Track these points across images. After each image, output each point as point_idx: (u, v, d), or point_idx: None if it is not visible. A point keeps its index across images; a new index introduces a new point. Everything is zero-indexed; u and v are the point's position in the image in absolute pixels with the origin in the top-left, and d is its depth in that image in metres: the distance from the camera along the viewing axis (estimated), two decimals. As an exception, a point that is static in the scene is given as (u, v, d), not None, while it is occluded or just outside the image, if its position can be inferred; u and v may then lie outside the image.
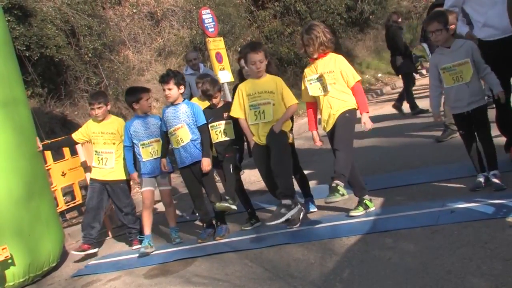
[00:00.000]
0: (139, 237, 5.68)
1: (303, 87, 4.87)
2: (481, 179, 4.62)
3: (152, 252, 5.35)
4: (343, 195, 4.38)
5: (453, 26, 4.63)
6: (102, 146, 5.67)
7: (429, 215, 4.25)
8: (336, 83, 4.63)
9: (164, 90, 5.23)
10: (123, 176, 5.77)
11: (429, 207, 4.44)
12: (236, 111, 4.95)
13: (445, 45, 4.61)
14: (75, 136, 5.88)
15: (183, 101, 5.28)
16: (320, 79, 4.66)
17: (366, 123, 4.62)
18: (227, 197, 5.06)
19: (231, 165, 5.15)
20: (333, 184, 4.40)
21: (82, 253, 5.59)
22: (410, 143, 7.30)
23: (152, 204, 5.63)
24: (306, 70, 4.84)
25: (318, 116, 4.91)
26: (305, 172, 5.55)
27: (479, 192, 4.50)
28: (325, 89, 4.64)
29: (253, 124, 4.87)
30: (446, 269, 3.27)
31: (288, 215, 4.56)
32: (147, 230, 5.45)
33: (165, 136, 5.33)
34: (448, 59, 4.59)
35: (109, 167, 5.66)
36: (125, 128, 5.57)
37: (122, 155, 5.71)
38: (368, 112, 4.66)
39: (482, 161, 4.67)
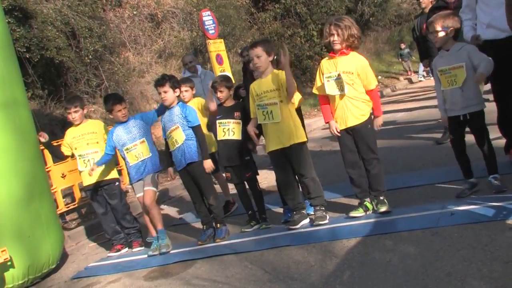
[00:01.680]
0: (147, 239, 5.72)
1: (318, 82, 4.76)
2: (467, 186, 4.62)
3: (158, 253, 5.32)
4: (387, 204, 4.64)
5: (452, 29, 4.60)
6: (86, 147, 5.66)
7: (429, 217, 4.24)
8: (354, 84, 4.57)
9: (160, 93, 5.22)
10: (114, 174, 5.83)
11: (429, 209, 4.44)
12: (252, 111, 4.98)
13: (444, 47, 4.59)
14: (62, 148, 5.87)
15: (177, 103, 5.28)
16: (339, 77, 4.57)
17: (377, 126, 4.67)
18: (263, 216, 5.30)
19: (257, 183, 5.36)
20: (381, 198, 4.67)
21: (118, 253, 5.72)
22: (410, 145, 7.31)
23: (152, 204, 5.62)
24: (324, 64, 4.71)
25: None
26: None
27: (479, 194, 4.50)
28: (341, 88, 4.58)
29: (263, 124, 4.88)
30: (446, 271, 3.27)
31: (326, 216, 4.81)
32: (153, 232, 5.53)
33: (167, 144, 5.34)
34: (445, 62, 4.57)
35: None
36: (108, 135, 5.59)
37: None
38: (381, 115, 4.68)
39: (470, 167, 4.66)
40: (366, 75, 4.59)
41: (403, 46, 19.09)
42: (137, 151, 5.45)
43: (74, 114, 5.69)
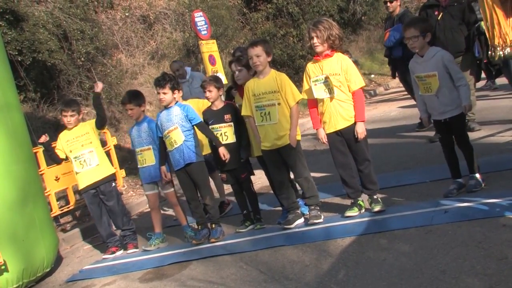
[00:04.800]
0: (148, 234, 5.78)
1: (305, 86, 4.75)
2: (454, 186, 4.64)
3: (160, 247, 5.54)
4: (381, 203, 4.68)
5: (429, 34, 4.58)
6: (81, 148, 5.65)
7: (423, 216, 4.26)
8: (341, 85, 4.56)
9: (158, 93, 5.21)
10: (111, 170, 5.84)
11: (423, 207, 4.46)
12: (245, 110, 4.95)
13: (419, 53, 4.58)
14: (57, 152, 5.79)
15: (175, 103, 5.27)
16: (326, 80, 4.57)
17: (359, 134, 4.57)
18: (258, 216, 5.31)
19: (251, 184, 5.36)
20: (375, 197, 4.70)
21: (113, 255, 5.71)
22: (403, 144, 7.33)
23: (156, 205, 5.73)
24: (310, 68, 4.70)
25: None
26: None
27: (472, 192, 4.52)
28: (330, 91, 4.57)
29: (260, 125, 4.85)
30: (440, 269, 3.28)
31: (321, 215, 4.82)
32: (156, 228, 5.66)
33: (161, 143, 5.32)
34: (420, 68, 4.58)
35: (95, 164, 5.65)
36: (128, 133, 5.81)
37: (103, 151, 5.84)
38: (364, 121, 4.62)
39: (458, 167, 4.69)
40: (351, 75, 4.56)
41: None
42: (142, 157, 5.57)
43: (70, 118, 5.67)
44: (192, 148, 5.18)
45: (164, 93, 5.16)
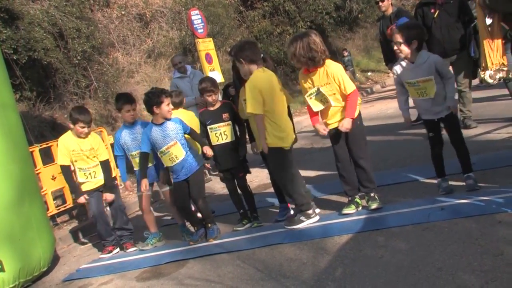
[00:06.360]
0: (145, 233, 5.78)
1: (305, 96, 4.72)
2: (445, 183, 4.65)
3: (158, 245, 5.59)
4: (378, 200, 4.68)
5: (415, 42, 4.49)
6: (86, 162, 5.61)
7: (420, 213, 4.27)
8: (336, 93, 4.54)
9: (159, 108, 5.08)
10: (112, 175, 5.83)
11: (420, 204, 4.46)
12: (243, 112, 5.03)
13: (409, 59, 4.52)
14: (65, 162, 5.63)
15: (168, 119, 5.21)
16: (319, 92, 4.56)
17: (343, 127, 4.50)
18: (255, 214, 5.31)
19: (246, 183, 5.36)
20: (372, 194, 4.70)
21: (109, 254, 5.72)
22: (400, 141, 7.33)
23: (148, 207, 5.70)
24: (302, 81, 4.69)
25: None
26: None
27: (472, 191, 4.52)
28: (325, 101, 4.56)
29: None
30: (437, 266, 3.29)
31: (306, 223, 4.74)
32: (152, 228, 5.68)
33: (144, 158, 5.26)
34: (412, 75, 4.52)
35: (100, 177, 5.68)
36: (115, 137, 5.65)
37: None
38: (353, 118, 4.53)
39: (443, 167, 4.69)
40: (342, 81, 4.50)
41: (345, 53, 17.96)
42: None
43: (87, 129, 5.56)
44: (192, 158, 5.17)
45: (167, 105, 5.10)
